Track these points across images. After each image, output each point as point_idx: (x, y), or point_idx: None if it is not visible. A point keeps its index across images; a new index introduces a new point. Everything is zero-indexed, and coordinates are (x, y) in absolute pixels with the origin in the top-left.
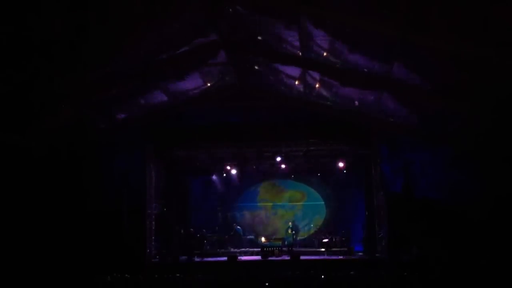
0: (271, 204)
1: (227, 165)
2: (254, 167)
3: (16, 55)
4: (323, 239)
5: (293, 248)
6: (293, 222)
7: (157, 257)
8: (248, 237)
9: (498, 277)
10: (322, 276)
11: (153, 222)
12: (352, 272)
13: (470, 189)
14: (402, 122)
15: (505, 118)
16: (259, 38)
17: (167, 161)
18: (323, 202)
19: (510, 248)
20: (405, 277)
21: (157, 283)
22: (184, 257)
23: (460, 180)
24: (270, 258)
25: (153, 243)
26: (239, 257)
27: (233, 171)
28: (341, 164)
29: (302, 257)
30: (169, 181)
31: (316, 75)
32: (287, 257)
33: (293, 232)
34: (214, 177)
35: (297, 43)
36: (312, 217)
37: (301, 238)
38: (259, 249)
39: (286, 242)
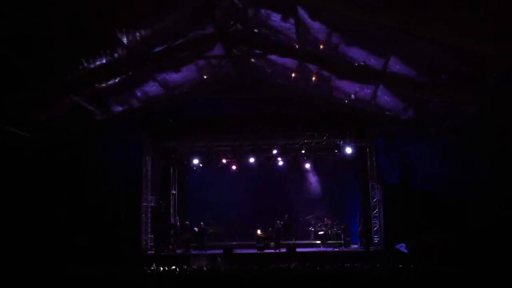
0: None
1: (224, 157)
2: (251, 159)
3: (14, 47)
4: (319, 231)
5: (288, 241)
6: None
7: (153, 249)
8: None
9: (497, 269)
10: (318, 268)
11: (149, 215)
12: (347, 264)
13: (466, 180)
14: (398, 115)
15: (501, 110)
16: (256, 30)
17: (163, 153)
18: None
19: (507, 239)
20: (401, 269)
21: (152, 275)
22: (180, 250)
23: (457, 171)
24: (266, 251)
25: (149, 235)
26: (235, 250)
27: (230, 163)
28: (337, 157)
29: (297, 250)
30: (166, 173)
31: (313, 68)
32: (283, 250)
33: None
34: (210, 169)
35: (293, 36)
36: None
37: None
38: (255, 242)
39: (274, 236)
